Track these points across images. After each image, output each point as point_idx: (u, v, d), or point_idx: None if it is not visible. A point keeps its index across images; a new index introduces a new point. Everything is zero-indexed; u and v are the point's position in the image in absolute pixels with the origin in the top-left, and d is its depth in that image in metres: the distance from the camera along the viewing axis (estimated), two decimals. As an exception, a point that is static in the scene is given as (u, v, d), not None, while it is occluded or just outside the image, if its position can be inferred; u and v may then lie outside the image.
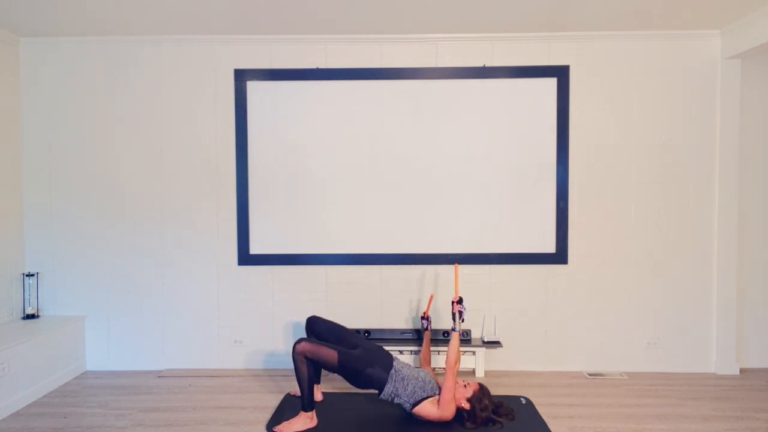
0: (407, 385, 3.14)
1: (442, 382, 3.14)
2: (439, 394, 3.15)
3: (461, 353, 3.21)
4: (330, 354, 3.11)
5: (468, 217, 4.14)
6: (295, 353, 3.09)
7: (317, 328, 3.47)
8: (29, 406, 3.51)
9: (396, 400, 3.15)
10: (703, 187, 4.09)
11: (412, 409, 3.12)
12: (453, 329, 3.22)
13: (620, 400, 3.58)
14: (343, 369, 3.14)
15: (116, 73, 4.14)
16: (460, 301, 3.30)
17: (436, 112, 4.11)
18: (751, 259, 4.19)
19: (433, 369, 4.01)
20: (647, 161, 4.09)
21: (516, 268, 4.15)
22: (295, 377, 3.95)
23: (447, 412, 3.08)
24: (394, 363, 3.23)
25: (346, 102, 4.12)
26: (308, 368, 3.10)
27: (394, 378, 3.15)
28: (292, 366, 4.15)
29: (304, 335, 4.19)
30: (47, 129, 4.15)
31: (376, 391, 3.21)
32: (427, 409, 3.10)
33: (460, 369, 4.06)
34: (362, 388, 3.22)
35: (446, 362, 3.13)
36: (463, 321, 3.27)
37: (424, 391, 3.14)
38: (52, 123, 4.15)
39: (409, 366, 3.30)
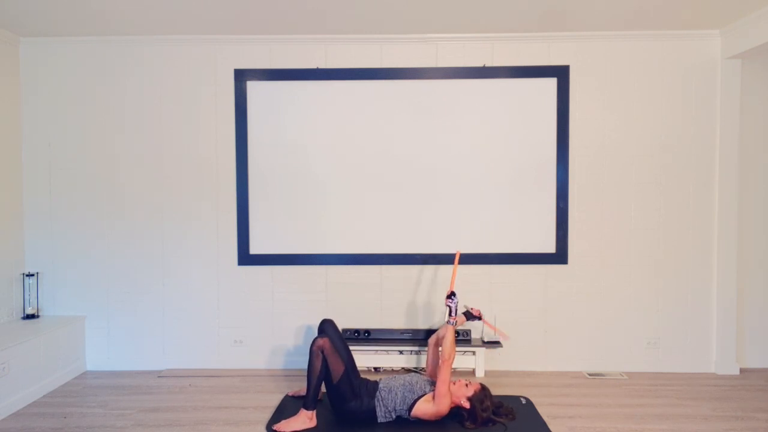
0: (396, 395, 3.13)
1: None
2: (431, 390, 3.15)
3: (455, 351, 3.20)
4: (339, 366, 3.10)
5: (468, 217, 4.13)
6: (314, 346, 3.10)
7: (330, 336, 3.38)
8: (29, 406, 3.51)
9: (395, 415, 3.15)
10: (703, 187, 4.09)
11: (409, 413, 3.12)
12: (448, 322, 3.25)
13: (620, 400, 3.58)
14: (336, 388, 3.12)
15: (116, 73, 4.14)
16: (450, 296, 3.33)
17: (436, 112, 4.11)
18: (751, 260, 4.19)
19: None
20: (647, 161, 4.09)
21: (516, 268, 4.15)
22: (295, 377, 3.97)
23: (442, 405, 3.06)
24: (380, 384, 3.21)
25: (346, 102, 4.12)
26: (322, 365, 3.09)
27: (381, 397, 3.14)
28: (292, 366, 4.18)
29: (304, 335, 4.21)
30: (47, 129, 4.14)
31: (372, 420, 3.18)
32: (423, 408, 3.10)
33: (460, 369, 4.06)
34: (342, 418, 3.16)
35: (440, 355, 3.15)
36: (453, 315, 3.29)
37: (413, 393, 3.13)
38: (52, 123, 4.14)
39: (394, 377, 3.28)
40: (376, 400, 3.14)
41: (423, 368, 4.02)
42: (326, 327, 3.48)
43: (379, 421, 3.14)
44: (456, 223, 4.13)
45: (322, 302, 4.20)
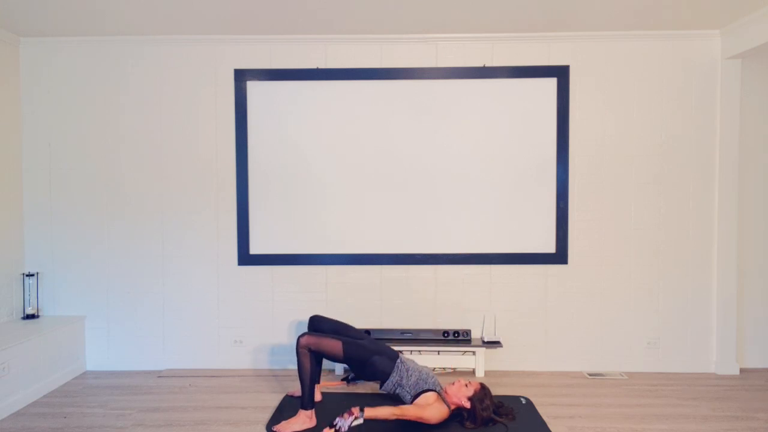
0: (411, 375, 3.19)
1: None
2: (441, 390, 3.19)
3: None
4: (334, 345, 3.17)
5: (468, 217, 4.14)
6: (298, 346, 3.13)
7: (321, 327, 3.48)
8: (29, 406, 3.51)
9: (398, 391, 3.20)
10: (703, 187, 4.09)
11: (412, 401, 3.13)
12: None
13: (620, 400, 3.58)
14: (348, 359, 3.20)
15: (116, 73, 4.14)
16: (359, 416, 2.86)
17: (436, 112, 4.11)
18: (751, 259, 4.19)
19: (433, 369, 4.03)
20: (647, 161, 4.09)
21: (516, 268, 4.15)
22: (294, 377, 3.97)
23: (433, 418, 3.02)
24: (401, 355, 3.32)
25: (346, 102, 4.12)
26: (311, 363, 3.13)
27: (399, 368, 3.22)
28: (292, 366, 4.17)
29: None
30: (47, 129, 4.15)
31: (378, 382, 3.27)
32: (426, 402, 3.10)
33: (460, 369, 4.07)
34: (368, 377, 3.27)
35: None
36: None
37: (426, 383, 3.17)
38: (53, 123, 4.15)
39: (414, 361, 3.36)
40: (396, 365, 3.22)
41: (433, 369, 4.03)
42: (313, 322, 3.53)
43: (382, 387, 3.23)
44: (456, 223, 4.13)
45: (322, 302, 4.19)
